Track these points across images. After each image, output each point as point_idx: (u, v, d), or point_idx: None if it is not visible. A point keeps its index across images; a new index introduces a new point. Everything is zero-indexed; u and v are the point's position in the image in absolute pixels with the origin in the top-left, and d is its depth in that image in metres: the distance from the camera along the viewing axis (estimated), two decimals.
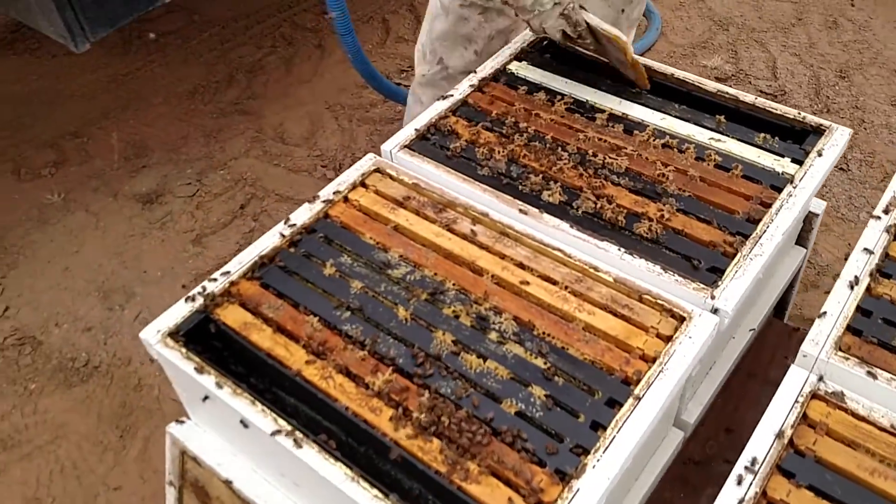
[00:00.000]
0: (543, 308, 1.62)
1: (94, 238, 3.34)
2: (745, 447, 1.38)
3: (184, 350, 1.58)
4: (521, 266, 1.71)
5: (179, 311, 1.66)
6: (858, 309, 1.56)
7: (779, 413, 1.41)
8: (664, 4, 4.43)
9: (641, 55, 2.29)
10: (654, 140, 1.97)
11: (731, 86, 2.08)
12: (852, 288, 1.59)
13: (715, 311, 1.59)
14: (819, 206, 2.15)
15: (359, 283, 1.70)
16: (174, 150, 3.83)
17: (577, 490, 1.31)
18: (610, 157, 1.92)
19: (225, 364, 1.66)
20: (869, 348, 1.49)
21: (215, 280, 1.71)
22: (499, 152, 1.96)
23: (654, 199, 1.83)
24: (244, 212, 3.47)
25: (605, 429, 1.41)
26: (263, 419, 1.46)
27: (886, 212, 1.74)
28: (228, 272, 1.73)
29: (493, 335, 1.57)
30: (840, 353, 1.48)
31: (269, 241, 1.81)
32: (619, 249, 1.70)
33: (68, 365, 2.78)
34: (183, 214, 3.45)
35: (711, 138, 1.97)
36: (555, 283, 1.67)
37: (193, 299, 1.68)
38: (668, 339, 1.54)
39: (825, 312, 1.54)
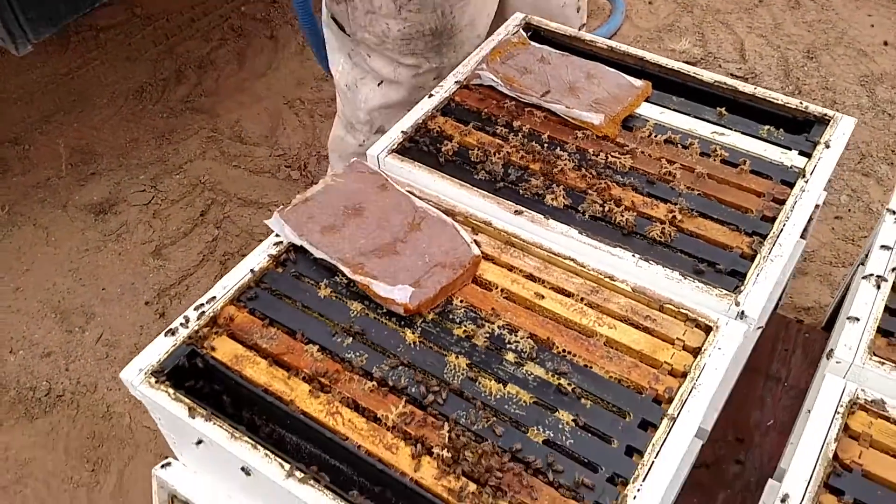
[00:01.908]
0: (560, 323, 1.52)
1: (45, 254, 3.10)
2: (789, 467, 1.30)
3: (172, 391, 1.43)
4: (532, 278, 1.60)
5: (162, 347, 1.50)
6: (887, 309, 1.50)
7: (820, 426, 1.34)
8: None
9: (609, 39, 2.19)
10: (655, 136, 1.88)
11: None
12: (878, 287, 1.53)
13: (741, 316, 1.51)
14: (821, 196, 2.09)
15: (358, 304, 1.57)
16: (124, 154, 3.60)
17: None
18: (612, 156, 1.82)
19: (218, 403, 1.52)
20: None
21: (200, 309, 1.56)
22: (494, 154, 1.85)
23: (664, 199, 1.74)
24: (205, 219, 3.28)
25: (641, 454, 1.31)
26: (268, 465, 1.33)
27: None
28: (214, 298, 1.58)
29: (510, 356, 1.46)
30: (875, 358, 1.42)
31: (255, 261, 1.65)
32: (634, 256, 1.60)
33: (28, 395, 2.57)
34: (139, 224, 3.24)
35: (714, 132, 1.89)
36: (570, 295, 1.56)
37: (175, 332, 1.52)
38: (696, 351, 1.46)
39: (856, 317, 1.47)
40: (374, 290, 1.54)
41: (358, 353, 1.48)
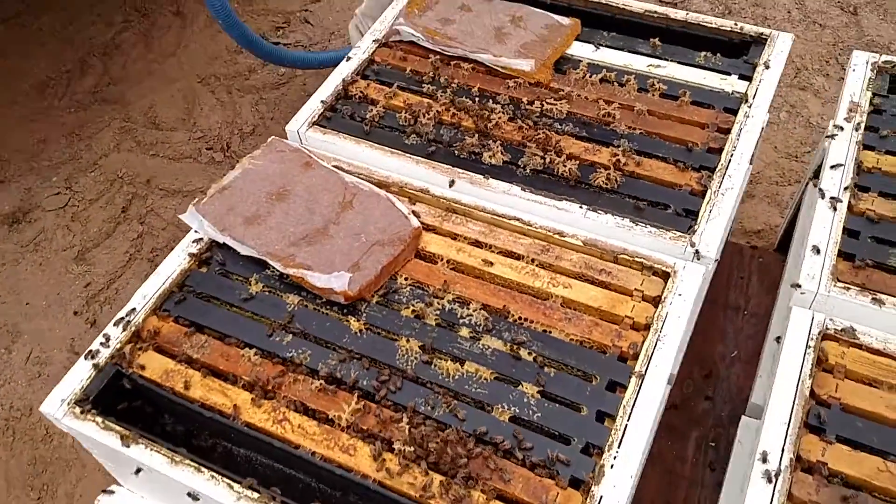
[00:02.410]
0: (513, 289, 1.42)
1: None
2: (765, 417, 1.24)
3: (100, 419, 1.30)
4: (478, 244, 1.50)
5: (82, 372, 1.36)
6: (845, 231, 1.45)
7: (793, 364, 1.28)
8: None
9: None
10: (590, 76, 1.77)
11: None
12: (835, 209, 1.47)
13: (697, 257, 1.43)
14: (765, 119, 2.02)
15: (294, 297, 1.44)
16: (33, 156, 3.34)
17: (601, 498, 1.14)
18: (548, 103, 1.71)
19: (153, 425, 1.39)
20: (866, 273, 1.38)
21: (120, 324, 1.42)
22: (423, 115, 1.72)
23: (605, 143, 1.64)
24: (127, 215, 3.07)
25: (612, 418, 1.24)
26: (215, 488, 1.21)
27: (848, 120, 1.63)
28: (134, 310, 1.44)
29: (465, 331, 1.37)
30: (840, 284, 1.36)
31: (174, 263, 1.51)
32: (581, 207, 1.51)
33: None
34: (57, 230, 3.02)
35: (650, 65, 1.79)
36: (519, 257, 1.46)
37: (95, 354, 1.38)
38: (656, 300, 1.38)
39: (815, 245, 1.41)
40: (309, 281, 1.41)
41: (300, 351, 1.36)
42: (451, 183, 1.57)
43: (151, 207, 3.08)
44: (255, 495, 1.19)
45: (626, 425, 1.21)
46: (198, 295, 1.47)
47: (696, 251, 1.42)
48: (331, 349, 1.36)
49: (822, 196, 1.49)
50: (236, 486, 1.20)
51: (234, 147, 3.30)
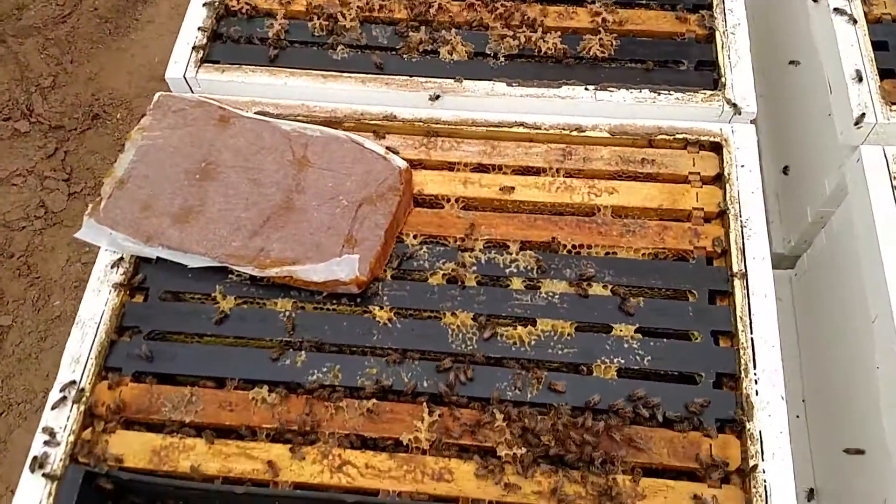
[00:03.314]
0: (550, 213, 1.15)
1: None
2: None
3: None
4: (483, 168, 1.19)
5: (38, 491, 0.97)
6: (873, 45, 1.27)
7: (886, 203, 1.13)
8: None
9: None
10: None
11: None
12: (854, 22, 1.29)
13: (737, 111, 1.21)
14: None
15: (286, 301, 1.09)
16: None
17: (760, 433, 0.97)
18: None
19: None
20: None
21: (61, 405, 1.02)
22: (342, 16, 1.32)
23: (578, 1, 1.34)
24: None
25: (731, 336, 1.04)
26: None
27: None
28: (72, 383, 1.04)
29: (517, 283, 1.09)
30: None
31: (97, 305, 1.10)
32: (587, 89, 1.23)
33: None
34: None
35: None
36: (540, 171, 1.18)
37: (44, 460, 0.98)
38: (718, 179, 1.17)
39: (856, 70, 1.23)
40: (303, 278, 1.07)
41: (325, 369, 1.04)
42: (434, 97, 1.23)
43: None
44: None
45: (752, 339, 1.02)
46: (150, 336, 1.08)
47: (735, 105, 1.20)
48: (364, 354, 1.05)
49: (838, 12, 1.29)
50: None
51: (38, 109, 2.65)
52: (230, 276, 1.11)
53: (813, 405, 1.42)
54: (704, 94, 1.22)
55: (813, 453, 1.39)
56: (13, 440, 1.96)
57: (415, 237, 1.13)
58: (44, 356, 2.07)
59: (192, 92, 1.30)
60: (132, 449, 1.00)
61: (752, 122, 1.22)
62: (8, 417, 1.99)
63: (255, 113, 1.24)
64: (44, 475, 0.99)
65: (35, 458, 0.99)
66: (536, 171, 1.18)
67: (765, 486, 0.93)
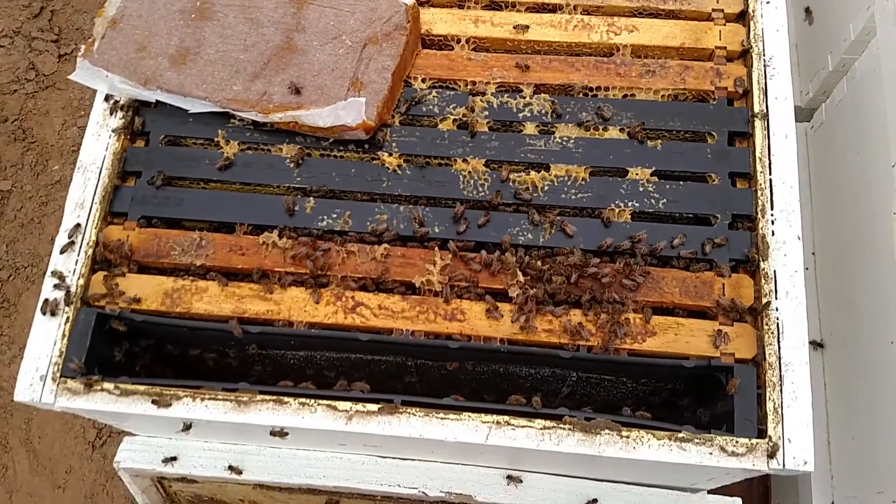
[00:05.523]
0: (566, 53, 1.10)
1: None
2: None
3: (111, 386, 0.95)
4: (496, 5, 1.13)
5: (48, 334, 0.98)
6: None
7: None
8: None
9: None
10: None
11: None
12: None
13: None
14: None
15: (291, 146, 1.06)
16: None
17: (774, 273, 0.96)
18: None
19: (176, 367, 1.06)
20: None
21: (69, 249, 1.01)
22: None
23: None
24: None
25: (747, 177, 1.02)
26: (310, 416, 0.93)
27: None
28: (77, 226, 1.02)
29: (531, 127, 1.06)
30: None
31: (98, 151, 1.06)
32: None
33: None
34: None
35: None
36: (556, 8, 1.12)
37: (55, 307, 0.98)
38: (742, 16, 1.10)
39: None
40: (308, 123, 1.03)
41: (335, 215, 1.02)
42: None
43: None
44: (375, 407, 0.92)
45: (771, 180, 1.00)
46: (152, 182, 1.06)
47: None
48: (374, 201, 1.03)
49: None
50: (341, 404, 0.93)
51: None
52: (231, 120, 1.07)
53: (823, 258, 1.42)
54: None
55: (821, 305, 1.41)
56: (22, 302, 1.98)
57: (423, 80, 1.08)
58: (46, 220, 2.06)
59: None
60: (144, 292, 1.00)
61: None
62: (16, 281, 2.00)
63: None
64: (59, 318, 0.99)
65: (46, 300, 0.99)
66: (552, 8, 1.12)
67: (777, 324, 0.93)
